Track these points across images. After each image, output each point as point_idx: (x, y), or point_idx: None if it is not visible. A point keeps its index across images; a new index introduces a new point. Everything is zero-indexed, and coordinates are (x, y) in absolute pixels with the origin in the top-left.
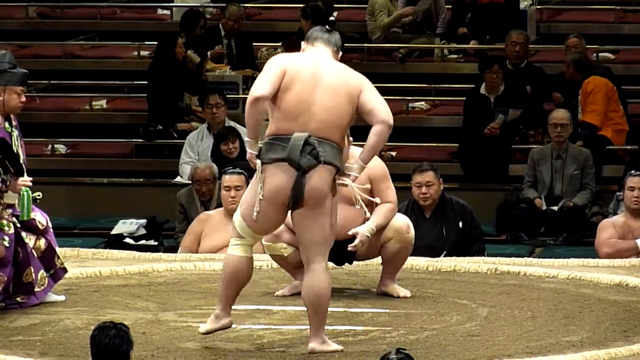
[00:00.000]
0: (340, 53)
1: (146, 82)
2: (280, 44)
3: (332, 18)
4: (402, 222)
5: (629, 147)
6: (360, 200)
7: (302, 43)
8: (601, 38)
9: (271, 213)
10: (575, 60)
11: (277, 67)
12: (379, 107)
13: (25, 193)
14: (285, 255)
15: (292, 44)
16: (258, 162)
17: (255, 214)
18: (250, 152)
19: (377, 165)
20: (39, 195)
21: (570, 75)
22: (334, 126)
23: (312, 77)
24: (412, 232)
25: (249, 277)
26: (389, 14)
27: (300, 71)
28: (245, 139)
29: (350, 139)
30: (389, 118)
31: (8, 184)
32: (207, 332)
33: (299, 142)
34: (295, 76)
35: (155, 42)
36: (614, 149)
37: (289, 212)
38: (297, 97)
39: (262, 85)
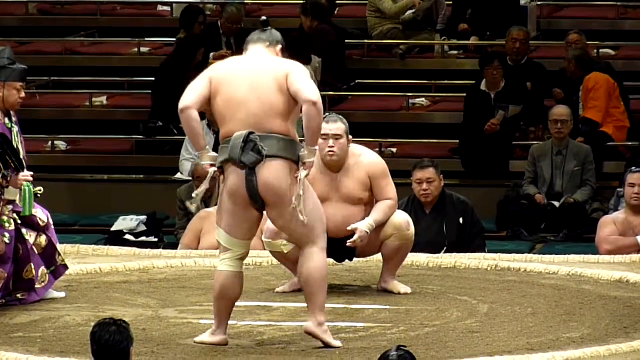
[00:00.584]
0: (279, 46)
1: (147, 79)
2: None
3: (263, 18)
4: (402, 219)
5: (630, 144)
6: (301, 193)
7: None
8: (602, 34)
9: (241, 213)
10: (577, 56)
11: (202, 77)
12: (303, 88)
13: (26, 188)
14: (285, 252)
15: (293, 43)
16: (211, 169)
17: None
18: (202, 163)
19: (377, 162)
20: (40, 191)
21: (572, 71)
22: (273, 118)
23: (238, 76)
24: (412, 229)
25: (239, 293)
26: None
27: (226, 74)
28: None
29: (350, 137)
30: (313, 96)
31: (9, 179)
32: (201, 343)
33: (238, 141)
34: (220, 81)
35: (155, 39)
36: (614, 146)
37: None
38: (226, 99)
39: (186, 96)
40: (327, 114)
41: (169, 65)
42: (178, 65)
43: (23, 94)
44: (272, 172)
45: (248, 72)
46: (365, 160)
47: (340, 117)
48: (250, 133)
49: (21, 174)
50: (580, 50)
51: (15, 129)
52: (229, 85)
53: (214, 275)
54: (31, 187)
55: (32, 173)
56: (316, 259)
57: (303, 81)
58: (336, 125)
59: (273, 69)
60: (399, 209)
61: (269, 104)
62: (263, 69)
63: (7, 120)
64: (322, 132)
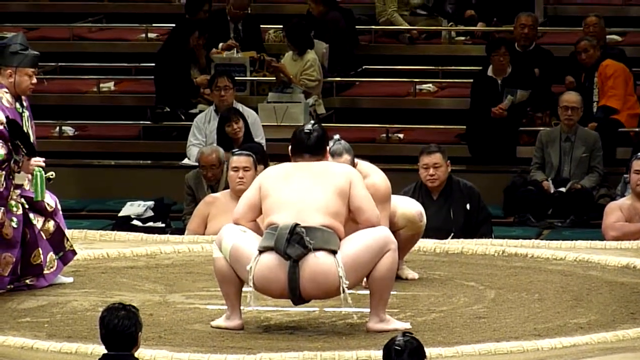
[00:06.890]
0: (328, 156)
1: (154, 64)
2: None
3: (308, 127)
4: (415, 211)
5: (637, 129)
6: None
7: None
8: (608, 20)
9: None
10: (600, 42)
11: (253, 185)
12: (364, 207)
13: (38, 173)
14: None
15: (293, 28)
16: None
17: (251, 282)
18: None
19: (379, 185)
20: (52, 175)
21: (590, 56)
22: (322, 211)
23: (290, 181)
24: (425, 219)
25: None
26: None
27: (276, 179)
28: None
29: (355, 161)
30: (373, 219)
31: (21, 164)
32: (217, 327)
33: (284, 231)
34: (270, 185)
35: (163, 24)
36: (626, 132)
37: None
38: (273, 201)
39: (236, 208)
40: (334, 137)
41: (165, 51)
42: (172, 51)
43: (35, 80)
44: (319, 266)
45: (301, 178)
46: (370, 181)
47: (344, 145)
48: (297, 225)
49: (33, 159)
50: (597, 35)
51: (26, 113)
52: (279, 190)
53: (213, 262)
54: (43, 171)
55: (44, 158)
56: (385, 260)
57: (365, 198)
58: (341, 159)
59: (332, 175)
60: (408, 197)
61: (323, 202)
62: (319, 174)
63: (18, 105)
64: None
